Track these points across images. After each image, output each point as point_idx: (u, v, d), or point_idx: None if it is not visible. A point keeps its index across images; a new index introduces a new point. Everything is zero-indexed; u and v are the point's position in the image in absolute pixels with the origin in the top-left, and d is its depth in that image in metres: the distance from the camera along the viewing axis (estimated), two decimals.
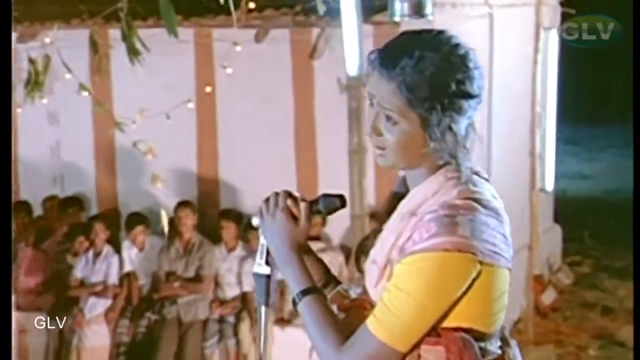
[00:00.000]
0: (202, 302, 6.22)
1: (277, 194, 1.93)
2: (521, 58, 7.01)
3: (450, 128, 1.73)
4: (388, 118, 1.76)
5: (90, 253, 6.42)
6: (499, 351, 1.82)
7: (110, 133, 6.26)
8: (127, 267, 6.45)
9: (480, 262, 1.69)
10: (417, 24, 4.16)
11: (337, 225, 6.24)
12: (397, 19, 4.23)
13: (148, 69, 5.20)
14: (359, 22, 4.54)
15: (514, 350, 1.88)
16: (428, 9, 4.15)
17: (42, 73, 5.53)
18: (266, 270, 1.93)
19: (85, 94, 5.82)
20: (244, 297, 6.28)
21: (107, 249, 6.43)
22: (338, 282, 2.07)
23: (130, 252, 6.47)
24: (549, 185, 8.07)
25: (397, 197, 1.89)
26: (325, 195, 1.96)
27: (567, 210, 9.26)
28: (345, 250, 6.27)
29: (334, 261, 5.90)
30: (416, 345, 1.73)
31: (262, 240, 1.94)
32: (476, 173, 1.83)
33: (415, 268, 1.69)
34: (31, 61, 5.54)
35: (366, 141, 4.71)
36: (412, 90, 1.71)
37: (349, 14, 4.52)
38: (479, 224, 1.70)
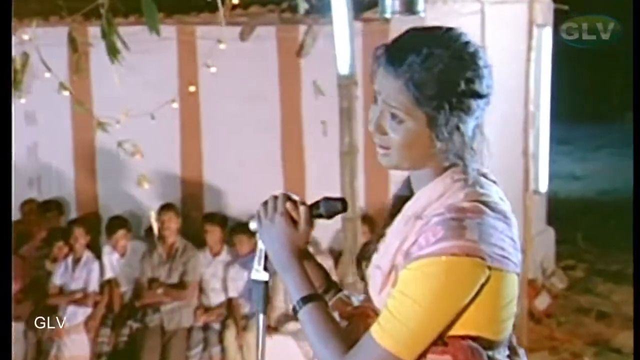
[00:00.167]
0: (186, 309, 6.04)
1: (275, 197, 1.91)
2: (514, 56, 6.88)
3: (457, 128, 1.69)
4: (393, 116, 1.71)
5: (70, 259, 6.21)
6: None
7: (90, 134, 6.12)
8: (108, 274, 6.25)
9: (489, 267, 1.64)
10: (408, 21, 4.01)
11: (325, 228, 6.08)
12: (387, 15, 4.09)
13: (129, 67, 5.04)
14: (349, 18, 4.39)
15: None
16: (420, 6, 4.01)
17: (20, 72, 5.35)
18: (265, 276, 1.92)
19: (66, 93, 5.66)
20: (229, 304, 6.11)
21: (87, 254, 6.23)
22: (339, 289, 2.04)
23: (111, 258, 6.28)
24: (543, 186, 7.95)
25: (400, 200, 1.85)
26: (327, 199, 1.93)
27: (560, 212, 9.17)
28: (334, 253, 6.15)
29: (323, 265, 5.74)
30: (422, 355, 1.68)
31: (260, 245, 1.92)
32: (483, 175, 1.79)
33: (421, 273, 1.64)
34: None
35: (358, 142, 4.61)
36: (419, 88, 1.65)
37: (339, 11, 4.36)
38: (487, 228, 1.66)
